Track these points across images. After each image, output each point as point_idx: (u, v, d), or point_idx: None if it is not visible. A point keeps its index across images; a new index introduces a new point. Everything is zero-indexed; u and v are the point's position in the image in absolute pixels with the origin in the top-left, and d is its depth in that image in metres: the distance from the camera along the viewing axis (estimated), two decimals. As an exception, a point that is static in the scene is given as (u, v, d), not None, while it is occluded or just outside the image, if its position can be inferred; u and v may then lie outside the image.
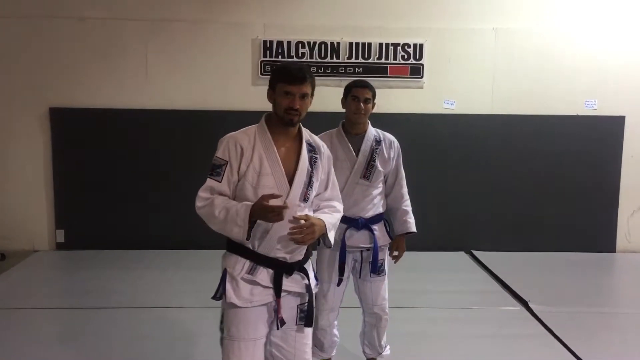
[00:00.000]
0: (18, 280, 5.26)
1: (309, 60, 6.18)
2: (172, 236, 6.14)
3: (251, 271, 2.36)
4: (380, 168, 3.27)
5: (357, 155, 3.25)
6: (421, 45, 6.23)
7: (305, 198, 2.41)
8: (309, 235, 2.31)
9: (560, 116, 6.37)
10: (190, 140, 6.00)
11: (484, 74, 6.36)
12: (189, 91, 6.09)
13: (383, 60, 6.23)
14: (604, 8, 6.33)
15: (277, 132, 2.41)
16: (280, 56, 6.16)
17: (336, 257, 3.28)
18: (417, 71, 6.27)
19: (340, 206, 2.60)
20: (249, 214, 2.25)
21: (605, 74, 6.37)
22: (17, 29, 6.00)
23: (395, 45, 6.22)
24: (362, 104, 3.18)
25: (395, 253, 3.48)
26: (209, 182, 2.36)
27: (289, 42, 6.16)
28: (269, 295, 2.38)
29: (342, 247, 3.26)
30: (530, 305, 4.74)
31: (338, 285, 3.32)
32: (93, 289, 4.99)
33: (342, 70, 6.21)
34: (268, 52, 6.16)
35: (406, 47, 6.23)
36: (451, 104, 6.36)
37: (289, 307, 2.43)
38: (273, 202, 2.24)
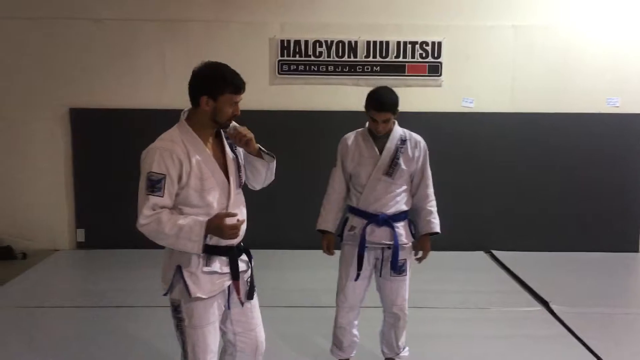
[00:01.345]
0: (38, 280, 5.32)
1: (326, 59, 6.16)
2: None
3: (208, 263, 2.45)
4: (403, 166, 3.25)
5: (381, 153, 3.25)
6: (439, 43, 6.18)
7: (240, 184, 2.57)
8: (248, 134, 2.47)
9: (581, 114, 6.27)
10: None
11: (503, 71, 6.29)
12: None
13: (401, 59, 6.18)
14: (624, 3, 6.21)
15: (199, 131, 2.44)
16: (297, 55, 6.15)
17: (355, 252, 3.28)
18: (435, 69, 6.22)
19: None
20: (204, 230, 2.33)
21: (627, 71, 6.26)
22: (35, 31, 6.07)
23: (413, 43, 6.17)
24: (380, 125, 3.18)
25: (420, 254, 3.44)
26: (152, 199, 2.32)
27: (306, 42, 6.14)
28: (226, 280, 2.51)
29: (362, 242, 3.25)
30: (551, 305, 4.68)
31: (356, 279, 3.30)
32: (113, 288, 5.03)
33: (359, 69, 6.19)
34: (285, 51, 6.16)
35: (424, 45, 6.18)
36: (470, 102, 6.30)
37: (242, 285, 2.57)
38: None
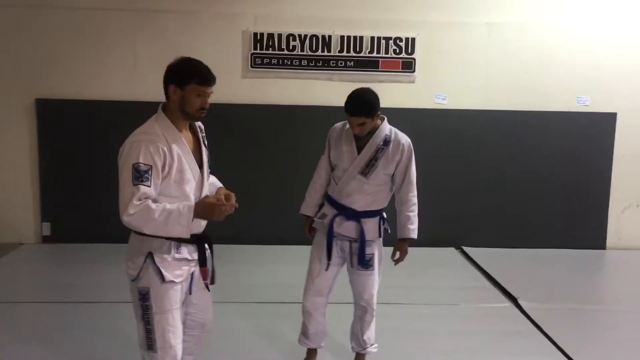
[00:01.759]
0: (3, 274, 5.19)
1: (299, 53, 6.10)
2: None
3: (178, 250, 2.56)
4: (380, 168, 3.22)
5: (359, 151, 3.23)
6: (413, 39, 6.17)
7: (208, 176, 2.71)
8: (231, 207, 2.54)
9: (552, 112, 6.34)
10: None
11: (477, 69, 6.31)
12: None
13: (375, 54, 6.16)
14: (598, 3, 6.28)
15: (177, 123, 2.53)
16: (270, 48, 6.08)
17: (324, 241, 3.31)
18: (408, 65, 6.21)
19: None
20: (192, 214, 2.43)
21: (598, 70, 6.33)
22: (2, 17, 5.89)
23: (387, 39, 6.15)
24: (356, 128, 3.15)
25: (397, 255, 3.43)
26: (142, 188, 2.38)
27: (279, 35, 6.08)
28: (192, 267, 2.65)
29: (329, 232, 3.29)
30: (520, 301, 4.72)
31: (326, 269, 3.32)
32: (79, 283, 4.93)
33: (333, 64, 6.14)
34: (258, 44, 6.09)
35: (398, 41, 6.16)
36: (443, 99, 6.32)
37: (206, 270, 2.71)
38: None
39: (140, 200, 2.37)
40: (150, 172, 2.39)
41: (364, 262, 3.30)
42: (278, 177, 6.17)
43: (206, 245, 2.68)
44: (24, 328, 4.02)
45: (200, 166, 2.60)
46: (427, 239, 6.33)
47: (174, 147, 2.47)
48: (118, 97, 5.99)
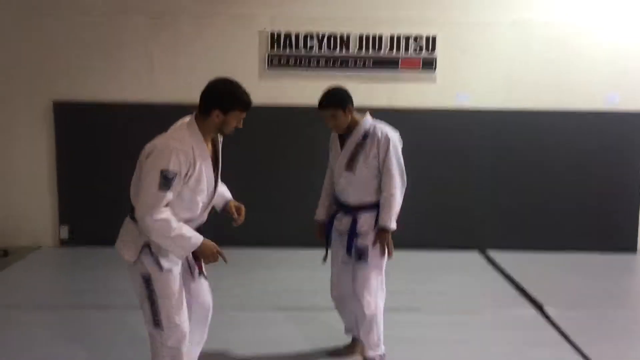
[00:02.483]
0: (20, 278, 5.17)
1: (317, 53, 5.99)
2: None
3: None
4: (362, 163, 3.30)
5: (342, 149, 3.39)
6: (434, 38, 6.01)
7: (219, 186, 2.87)
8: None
9: (579, 111, 6.11)
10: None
11: (500, 67, 6.12)
12: (194, 85, 5.89)
13: (394, 53, 6.02)
14: (626, -2, 6.05)
15: (205, 136, 2.67)
16: (288, 49, 5.98)
17: (338, 241, 3.49)
18: (429, 64, 6.05)
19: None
20: (196, 247, 2.60)
21: (627, 67, 6.09)
22: (20, 22, 5.90)
23: (407, 37, 6.00)
24: (328, 122, 3.30)
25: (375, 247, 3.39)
26: (167, 194, 2.51)
27: (297, 35, 5.97)
28: (188, 256, 2.77)
29: (329, 225, 3.51)
30: (545, 308, 4.52)
31: (324, 259, 3.56)
32: (96, 287, 4.89)
33: (351, 63, 6.02)
34: (275, 44, 5.99)
35: (418, 39, 6.01)
36: (465, 99, 6.14)
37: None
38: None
39: (166, 207, 2.51)
40: (175, 179, 2.50)
41: (351, 252, 3.35)
42: (296, 179, 6.06)
43: None
44: (41, 332, 3.97)
45: (216, 177, 2.75)
46: (449, 242, 6.24)
47: (199, 160, 2.60)
48: (135, 100, 5.95)
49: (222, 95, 2.64)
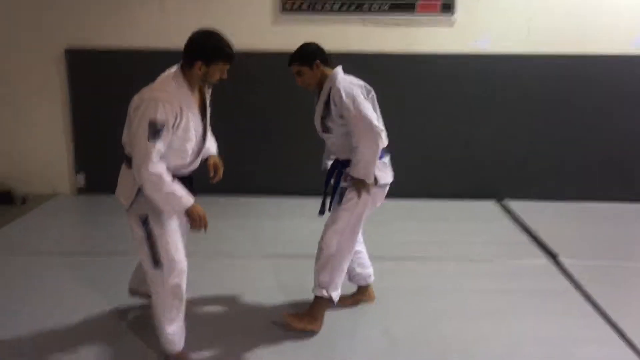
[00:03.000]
0: (38, 224, 5.25)
1: (331, -4, 5.82)
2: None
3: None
4: (332, 122, 3.19)
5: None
6: (453, -21, 5.78)
7: (208, 135, 2.96)
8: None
9: (603, 56, 5.85)
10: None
11: (521, 10, 5.85)
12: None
13: (411, -4, 5.81)
14: None
15: (191, 86, 2.74)
16: (301, -7, 5.82)
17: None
18: (448, 7, 5.82)
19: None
20: (186, 209, 2.68)
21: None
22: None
23: (425, -21, 5.78)
24: (297, 80, 3.24)
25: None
26: (158, 145, 2.57)
27: (311, -23, 5.79)
28: None
29: (327, 181, 3.40)
30: (559, 258, 4.46)
31: (320, 213, 3.42)
32: (111, 233, 4.92)
33: (366, 7, 5.81)
34: (289, -12, 5.83)
35: (436, -19, 5.78)
36: (484, 43, 5.93)
37: None
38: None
39: (158, 157, 2.57)
40: (164, 130, 2.56)
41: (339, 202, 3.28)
42: (307, 127, 5.98)
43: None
44: (58, 278, 4.04)
45: (204, 126, 2.84)
46: (465, 191, 6.16)
47: (186, 110, 2.66)
48: (147, 46, 5.87)
49: (205, 47, 2.68)
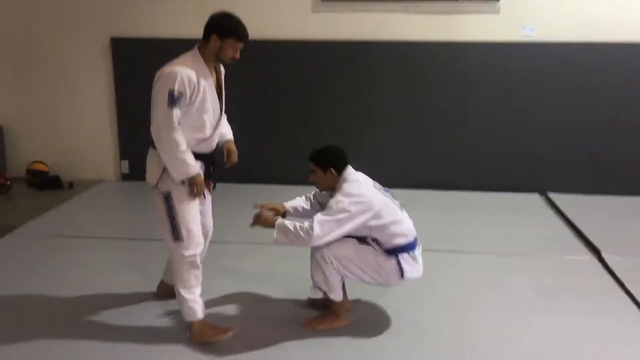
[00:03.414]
0: (84, 209, 5.43)
1: (373, -16, 5.74)
2: (238, 169, 6.07)
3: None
4: None
5: None
6: (499, -35, 5.62)
7: (224, 114, 3.17)
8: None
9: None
10: (245, 72, 5.79)
11: (569, -5, 5.68)
12: (247, 20, 5.82)
13: (455, -17, 5.68)
14: None
15: (207, 63, 2.97)
16: (342, -19, 5.76)
17: None
18: (493, -6, 5.69)
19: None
20: (192, 177, 2.90)
21: None
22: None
23: (470, -35, 5.64)
24: (310, 175, 3.23)
25: None
26: (175, 112, 2.80)
27: (352, -35, 5.73)
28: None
29: None
30: (603, 255, 4.31)
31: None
32: (155, 219, 5.00)
33: (409, -6, 5.74)
34: (330, -24, 5.78)
35: (481, -34, 5.64)
36: (531, 30, 5.76)
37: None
38: None
39: (177, 123, 2.80)
40: (181, 98, 2.80)
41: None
42: (350, 116, 5.96)
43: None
44: (102, 261, 4.16)
45: (220, 103, 3.08)
46: (508, 184, 6.02)
47: (202, 81, 2.89)
48: (189, 35, 5.91)
49: (221, 23, 2.93)
